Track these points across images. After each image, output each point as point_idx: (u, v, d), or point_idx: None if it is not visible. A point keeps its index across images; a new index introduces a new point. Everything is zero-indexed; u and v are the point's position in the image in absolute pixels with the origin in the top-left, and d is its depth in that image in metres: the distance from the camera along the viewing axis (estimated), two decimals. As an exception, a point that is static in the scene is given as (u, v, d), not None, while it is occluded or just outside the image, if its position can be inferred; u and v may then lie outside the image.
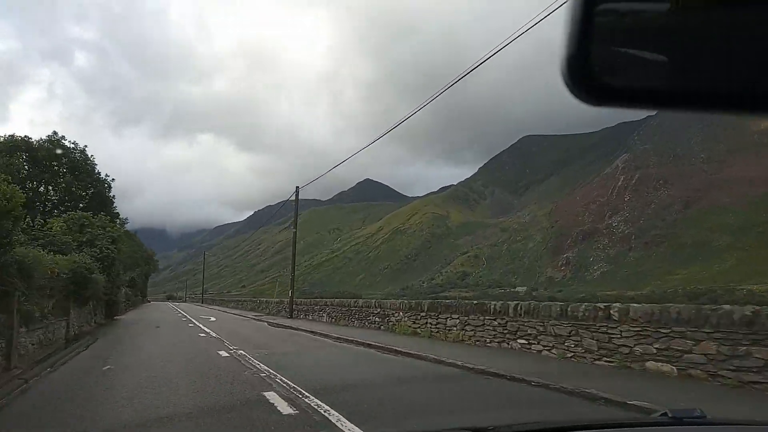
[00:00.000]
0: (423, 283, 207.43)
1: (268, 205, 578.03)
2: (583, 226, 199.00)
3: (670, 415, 1.65)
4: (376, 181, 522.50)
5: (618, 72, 0.83)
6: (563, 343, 10.71)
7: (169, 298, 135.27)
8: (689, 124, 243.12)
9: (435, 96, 15.63)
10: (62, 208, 32.59)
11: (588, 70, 0.81)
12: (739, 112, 0.81)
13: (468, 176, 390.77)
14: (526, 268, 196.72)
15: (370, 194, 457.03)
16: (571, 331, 10.50)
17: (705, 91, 0.78)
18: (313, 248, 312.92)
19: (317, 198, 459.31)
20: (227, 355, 12.70)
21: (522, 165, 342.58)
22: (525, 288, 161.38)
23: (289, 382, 8.36)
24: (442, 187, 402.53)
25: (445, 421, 6.10)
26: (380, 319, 19.06)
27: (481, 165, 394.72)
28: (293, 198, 33.34)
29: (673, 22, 0.74)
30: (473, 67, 13.36)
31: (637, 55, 0.79)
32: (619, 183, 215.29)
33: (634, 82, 0.83)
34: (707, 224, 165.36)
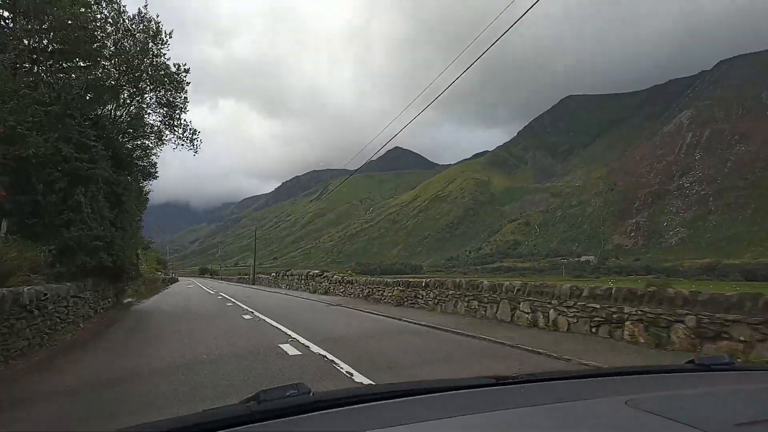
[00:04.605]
0: (469, 252, 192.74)
1: (295, 175, 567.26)
2: (650, 188, 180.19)
3: (696, 362, 1.62)
4: (405, 149, 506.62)
5: None
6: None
7: (204, 272, 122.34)
8: (755, 76, 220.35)
9: (474, 61, 12.69)
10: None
11: None
12: None
13: (504, 140, 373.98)
14: (588, 235, 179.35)
15: (400, 162, 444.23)
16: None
17: None
18: (345, 218, 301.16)
19: (346, 168, 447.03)
20: None
21: (565, 127, 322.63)
22: (593, 257, 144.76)
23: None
24: (477, 153, 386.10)
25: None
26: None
27: (520, 128, 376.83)
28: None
29: None
30: (515, 21, 11.09)
31: None
32: (687, 140, 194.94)
33: None
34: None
